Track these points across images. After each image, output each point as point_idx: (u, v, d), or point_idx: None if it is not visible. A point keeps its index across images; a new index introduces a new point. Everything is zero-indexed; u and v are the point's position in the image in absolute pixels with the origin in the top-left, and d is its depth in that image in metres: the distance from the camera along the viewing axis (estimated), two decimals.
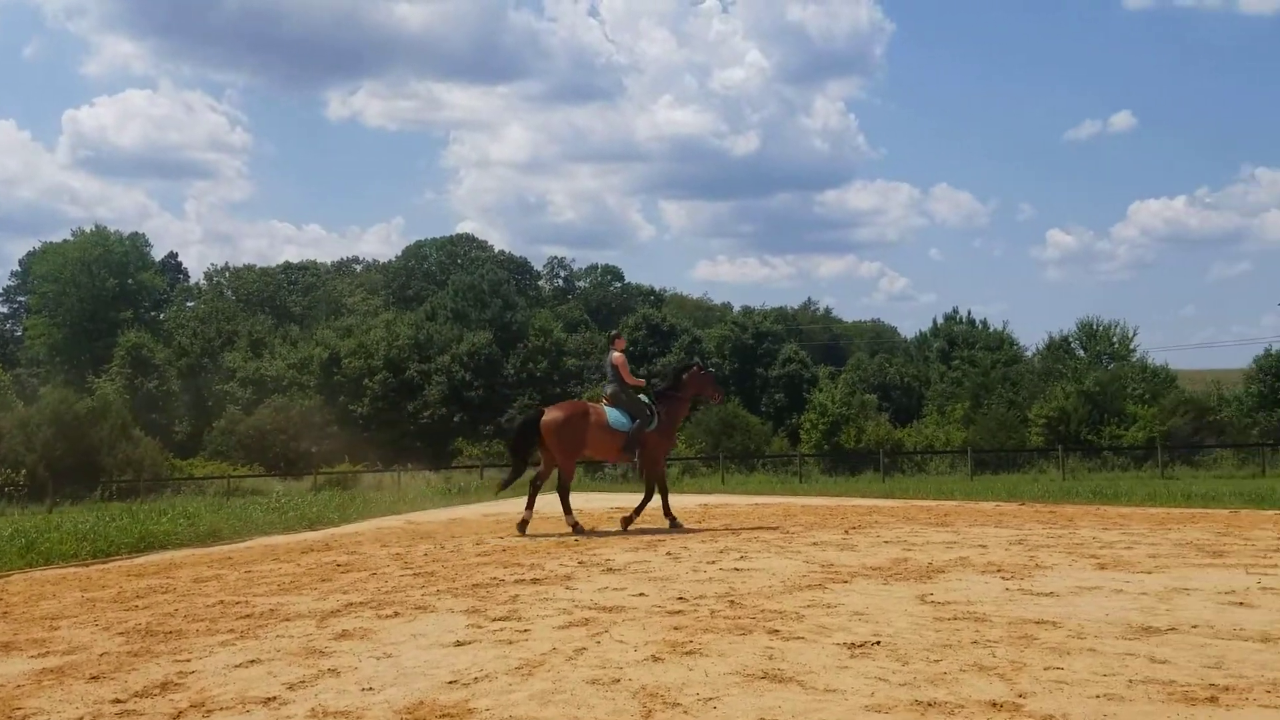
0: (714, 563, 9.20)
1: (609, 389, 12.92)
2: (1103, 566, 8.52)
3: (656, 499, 13.12)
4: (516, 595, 7.61)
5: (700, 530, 12.67)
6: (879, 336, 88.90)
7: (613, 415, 12.66)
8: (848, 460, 36.35)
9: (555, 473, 12.98)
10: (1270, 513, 14.04)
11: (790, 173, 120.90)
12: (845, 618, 6.40)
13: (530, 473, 13.67)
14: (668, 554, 9.99)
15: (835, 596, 7.20)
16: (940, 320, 68.81)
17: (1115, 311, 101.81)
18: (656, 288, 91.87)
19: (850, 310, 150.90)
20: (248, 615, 7.15)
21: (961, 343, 61.87)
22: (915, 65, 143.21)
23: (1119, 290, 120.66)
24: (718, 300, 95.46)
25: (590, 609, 6.92)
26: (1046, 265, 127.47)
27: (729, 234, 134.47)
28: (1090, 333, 52.58)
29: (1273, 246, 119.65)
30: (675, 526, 12.80)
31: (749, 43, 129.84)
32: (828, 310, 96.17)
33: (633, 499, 14.53)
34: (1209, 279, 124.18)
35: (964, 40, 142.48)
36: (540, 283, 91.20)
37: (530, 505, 12.80)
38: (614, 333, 14.20)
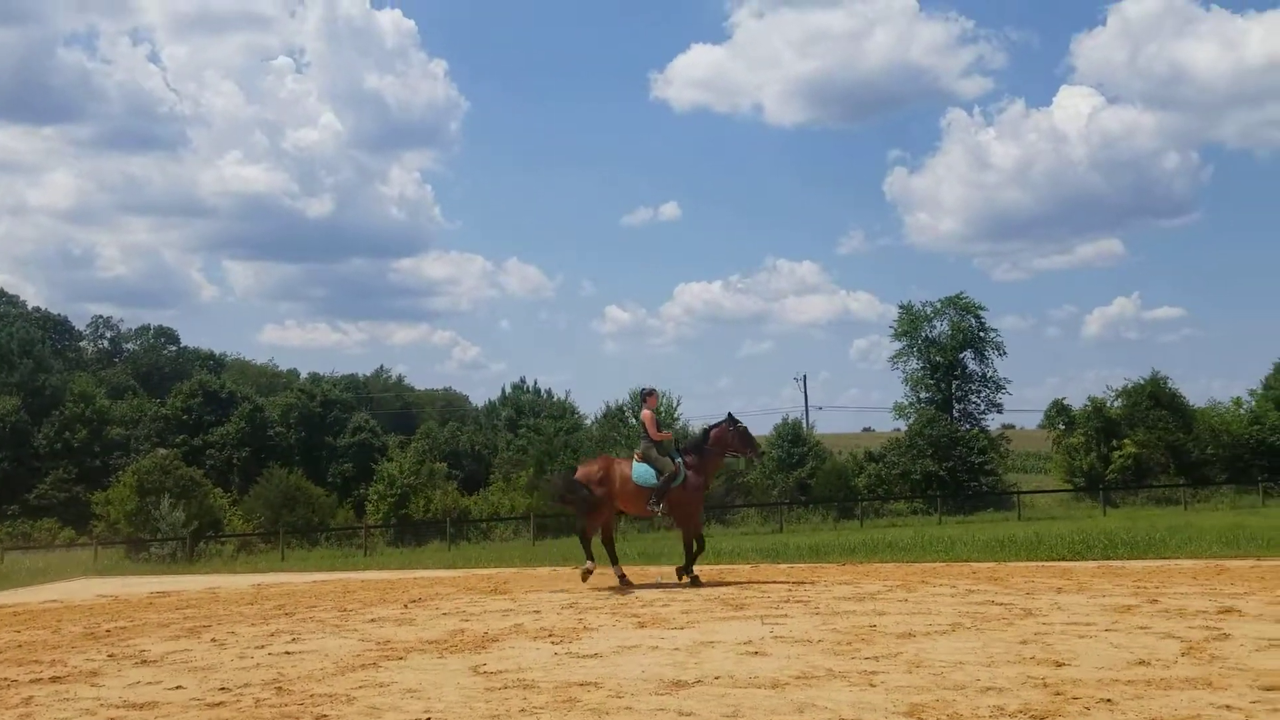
0: (263, 647, 8.77)
1: (640, 445, 13.39)
2: (643, 625, 9.17)
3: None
4: (31, 697, 6.80)
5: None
6: (450, 404, 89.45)
7: (638, 471, 13.09)
8: (415, 531, 36.15)
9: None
10: (783, 566, 15.83)
11: (365, 238, 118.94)
12: (397, 696, 6.38)
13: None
14: (213, 640, 9.39)
15: (389, 674, 7.15)
16: (509, 389, 71.07)
17: (664, 383, 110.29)
18: (216, 352, 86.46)
19: (423, 378, 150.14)
20: None
21: (528, 411, 64.09)
22: (488, 144, 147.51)
23: (667, 363, 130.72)
24: (284, 367, 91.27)
25: (118, 708, 6.35)
26: (605, 339, 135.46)
27: (299, 298, 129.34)
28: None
29: (790, 328, 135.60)
30: (694, 582, 12.95)
31: (323, 105, 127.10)
32: (400, 378, 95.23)
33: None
34: (740, 355, 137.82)
35: (533, 123, 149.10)
36: (82, 343, 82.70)
37: (590, 556, 13.19)
38: (645, 390, 14.56)
